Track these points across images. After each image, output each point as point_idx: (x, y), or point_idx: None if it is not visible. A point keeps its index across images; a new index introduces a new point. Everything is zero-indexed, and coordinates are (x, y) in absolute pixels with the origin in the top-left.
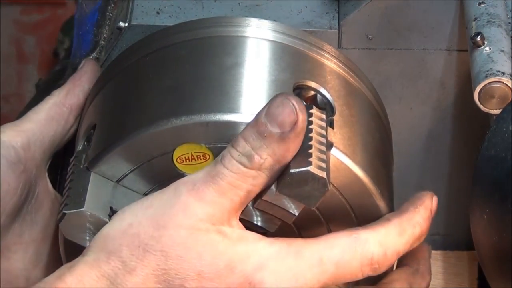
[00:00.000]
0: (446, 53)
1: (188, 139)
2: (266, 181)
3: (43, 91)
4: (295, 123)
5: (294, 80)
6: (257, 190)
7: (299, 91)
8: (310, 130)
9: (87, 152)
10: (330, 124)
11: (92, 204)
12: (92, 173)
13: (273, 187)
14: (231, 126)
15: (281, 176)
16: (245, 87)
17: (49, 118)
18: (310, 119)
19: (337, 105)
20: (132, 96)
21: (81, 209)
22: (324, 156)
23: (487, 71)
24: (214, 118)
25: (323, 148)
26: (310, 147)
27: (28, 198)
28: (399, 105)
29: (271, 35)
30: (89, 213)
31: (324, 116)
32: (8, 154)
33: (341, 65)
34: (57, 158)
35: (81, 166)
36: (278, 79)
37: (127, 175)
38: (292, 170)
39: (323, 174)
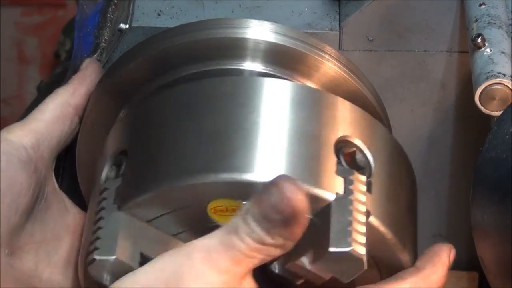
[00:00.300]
0: (447, 54)
1: (225, 195)
2: (284, 251)
3: (45, 93)
4: (293, 212)
5: (337, 135)
6: (273, 258)
7: (341, 145)
8: (350, 202)
9: (118, 187)
10: (368, 187)
11: (123, 251)
12: (123, 213)
13: (307, 257)
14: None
15: (317, 249)
16: (286, 144)
17: (55, 118)
18: (350, 187)
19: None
20: (168, 134)
21: (112, 257)
22: (364, 231)
23: (488, 72)
24: (254, 179)
25: (363, 221)
26: (350, 223)
27: (39, 198)
28: (400, 107)
29: (272, 37)
30: (120, 261)
31: (365, 184)
32: (20, 154)
33: (341, 66)
34: (58, 159)
35: (112, 203)
36: (319, 135)
37: (158, 217)
38: (332, 249)
39: (362, 256)
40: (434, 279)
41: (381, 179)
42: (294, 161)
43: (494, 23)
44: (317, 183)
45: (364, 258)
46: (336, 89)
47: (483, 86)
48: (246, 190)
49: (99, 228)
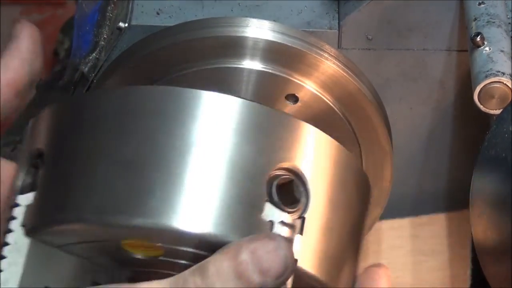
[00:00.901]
0: (446, 53)
1: (140, 237)
2: None
3: (43, 91)
4: (280, 275)
5: (273, 163)
6: None
7: (277, 176)
8: None
9: (29, 206)
10: (301, 226)
11: (26, 283)
12: (31, 240)
13: None
14: (187, 235)
15: None
16: (209, 182)
17: None
18: (274, 230)
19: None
20: (86, 152)
21: None
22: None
23: (487, 71)
24: (171, 226)
25: None
26: None
27: None
28: (399, 106)
29: (271, 35)
30: None
31: (294, 228)
32: None
33: (340, 65)
34: None
35: (20, 224)
36: (252, 166)
37: (69, 244)
38: None
39: None
40: None
41: (319, 212)
42: (216, 205)
43: (494, 22)
44: (238, 234)
45: None
46: (334, 87)
47: (482, 85)
48: (162, 236)
49: (3, 257)
